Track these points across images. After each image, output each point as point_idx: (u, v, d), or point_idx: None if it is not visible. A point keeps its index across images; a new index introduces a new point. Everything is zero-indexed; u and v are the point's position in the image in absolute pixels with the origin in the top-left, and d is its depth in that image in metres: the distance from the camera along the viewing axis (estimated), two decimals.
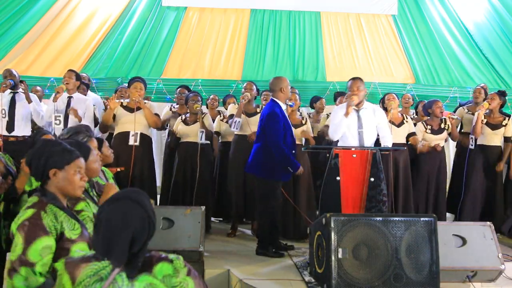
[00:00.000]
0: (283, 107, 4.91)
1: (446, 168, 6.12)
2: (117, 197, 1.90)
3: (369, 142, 4.81)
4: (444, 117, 6.02)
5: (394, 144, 5.50)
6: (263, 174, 4.80)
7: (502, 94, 6.14)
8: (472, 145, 6.03)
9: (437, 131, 6.00)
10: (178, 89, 6.56)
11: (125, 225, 1.83)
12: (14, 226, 2.28)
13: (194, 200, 5.44)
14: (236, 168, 5.72)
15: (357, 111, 4.89)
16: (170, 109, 6.50)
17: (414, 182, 5.99)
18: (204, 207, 4.65)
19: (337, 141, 5.08)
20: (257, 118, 5.71)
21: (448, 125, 6.03)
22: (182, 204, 5.41)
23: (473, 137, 6.02)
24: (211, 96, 6.83)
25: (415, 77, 9.15)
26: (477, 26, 9.36)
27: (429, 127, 6.02)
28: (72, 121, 5.55)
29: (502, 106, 6.14)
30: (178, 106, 6.47)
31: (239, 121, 5.64)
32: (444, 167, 6.07)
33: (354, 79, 4.98)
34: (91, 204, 2.78)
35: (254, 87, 5.98)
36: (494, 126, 6.01)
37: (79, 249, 2.32)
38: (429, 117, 6.12)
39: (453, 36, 9.40)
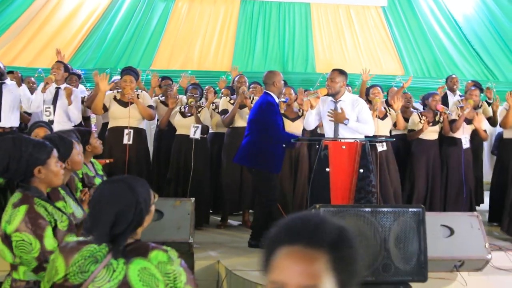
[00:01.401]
0: (276, 100, 4.94)
1: (439, 161, 6.13)
2: (114, 179, 1.96)
3: (345, 134, 4.75)
4: (438, 110, 6.04)
5: (378, 137, 5.53)
6: (257, 165, 4.83)
7: (480, 88, 6.22)
8: (465, 144, 5.99)
9: (431, 123, 6.04)
10: (163, 81, 6.51)
11: (110, 203, 1.87)
12: (10, 228, 2.23)
13: (188, 193, 5.44)
14: (231, 160, 5.73)
15: (335, 102, 4.87)
16: (159, 99, 6.45)
17: (411, 175, 6.07)
18: (194, 198, 4.66)
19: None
20: (247, 109, 5.73)
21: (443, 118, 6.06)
22: (172, 196, 5.41)
23: (466, 136, 5.98)
24: (206, 87, 6.85)
25: (404, 69, 9.18)
26: (466, 19, 9.40)
27: (424, 117, 6.05)
28: (60, 111, 5.51)
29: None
30: (164, 97, 6.44)
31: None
32: (438, 159, 6.09)
33: (332, 70, 4.94)
34: (71, 202, 2.72)
35: (245, 78, 6.01)
36: (469, 121, 6.08)
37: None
38: (425, 109, 6.21)
39: (442, 28, 9.43)
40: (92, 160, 3.90)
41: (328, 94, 4.85)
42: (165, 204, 4.56)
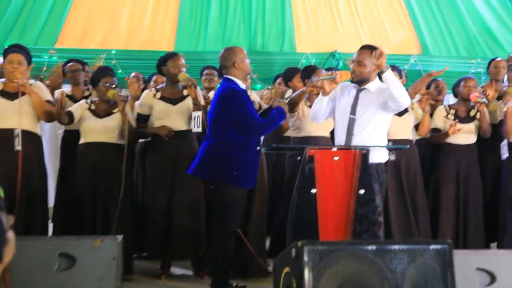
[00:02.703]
0: (243, 86, 4.96)
1: (479, 177, 6.20)
2: None
3: (360, 136, 4.83)
4: (472, 101, 6.09)
5: (394, 141, 5.58)
6: (219, 177, 4.84)
7: None
8: (505, 154, 6.07)
9: (463, 119, 6.11)
10: (69, 64, 6.48)
11: None
12: None
13: (112, 227, 5.41)
14: (160, 177, 5.72)
15: (358, 90, 4.95)
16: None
17: (435, 195, 6.14)
18: (122, 236, 4.63)
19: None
20: (183, 105, 5.77)
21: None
22: (89, 234, 5.35)
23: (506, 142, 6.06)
24: (132, 74, 6.79)
25: (421, 46, 9.28)
26: None
27: (452, 111, 6.14)
28: None
29: None
30: (71, 88, 6.41)
31: (198, 116, 5.62)
32: (476, 172, 6.16)
33: (361, 48, 4.99)
34: None
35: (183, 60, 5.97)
36: None
37: None
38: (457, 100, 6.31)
39: None
40: None
41: (352, 81, 4.98)
42: (78, 245, 4.53)
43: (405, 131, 6.01)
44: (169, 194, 5.70)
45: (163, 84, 5.99)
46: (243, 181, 4.91)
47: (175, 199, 5.69)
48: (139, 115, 5.84)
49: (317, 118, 5.16)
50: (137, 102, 5.93)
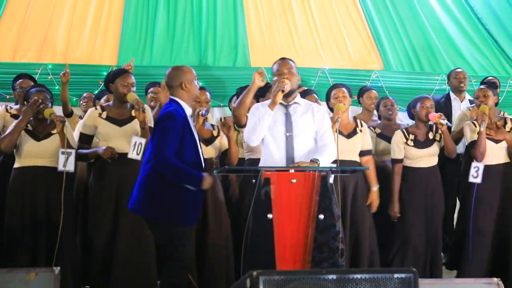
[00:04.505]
0: (189, 111, 4.91)
1: (443, 200, 6.29)
2: None
3: (302, 154, 4.86)
4: (432, 122, 6.17)
5: (342, 162, 5.56)
6: (159, 215, 4.76)
7: (493, 85, 6.43)
8: (476, 177, 6.10)
9: (423, 143, 6.18)
10: (18, 81, 6.47)
11: None
12: None
13: (53, 259, 5.35)
14: (103, 204, 5.69)
15: (286, 106, 5.00)
16: (6, 110, 6.41)
17: (401, 220, 6.17)
18: (59, 268, 4.57)
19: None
20: (130, 127, 5.74)
21: (440, 134, 6.18)
22: (23, 265, 5.26)
23: (478, 165, 6.05)
24: (85, 95, 6.77)
25: (383, 61, 9.40)
26: None
27: (412, 137, 6.16)
28: None
29: (496, 104, 6.43)
30: (19, 106, 6.39)
31: (140, 143, 5.57)
32: (439, 196, 6.24)
33: (282, 59, 5.10)
34: None
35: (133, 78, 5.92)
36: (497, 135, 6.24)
37: None
38: (412, 123, 6.36)
39: (440, 1, 9.69)
40: None
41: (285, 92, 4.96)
42: (9, 279, 4.44)
43: (353, 153, 6.02)
44: (112, 223, 5.65)
45: (110, 103, 5.95)
46: (182, 219, 4.80)
47: (119, 228, 5.64)
48: (82, 135, 5.77)
49: (252, 139, 5.04)
50: (80, 121, 5.87)
